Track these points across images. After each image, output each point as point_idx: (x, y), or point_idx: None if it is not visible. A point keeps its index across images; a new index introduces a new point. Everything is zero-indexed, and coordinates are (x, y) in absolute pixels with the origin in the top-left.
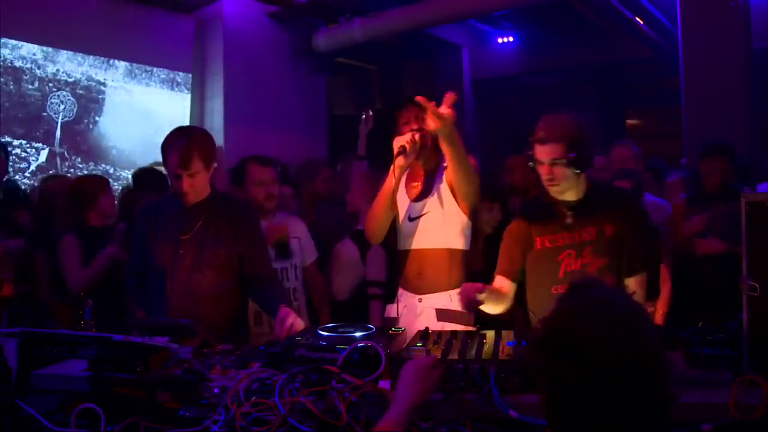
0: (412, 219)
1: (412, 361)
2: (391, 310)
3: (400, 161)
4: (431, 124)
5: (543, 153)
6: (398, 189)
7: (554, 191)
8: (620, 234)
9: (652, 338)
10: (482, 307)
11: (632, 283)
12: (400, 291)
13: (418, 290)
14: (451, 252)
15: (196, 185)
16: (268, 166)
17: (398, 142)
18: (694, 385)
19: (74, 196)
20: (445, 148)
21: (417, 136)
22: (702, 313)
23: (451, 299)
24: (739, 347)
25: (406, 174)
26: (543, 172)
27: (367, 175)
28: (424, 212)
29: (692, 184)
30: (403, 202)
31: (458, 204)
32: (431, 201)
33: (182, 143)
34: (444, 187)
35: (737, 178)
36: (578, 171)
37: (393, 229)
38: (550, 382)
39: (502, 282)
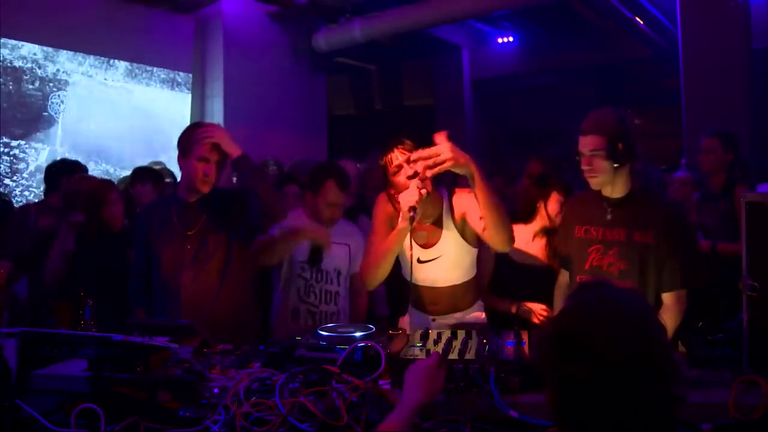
0: (422, 262)
1: (419, 361)
2: (403, 323)
3: (409, 221)
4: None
5: (583, 144)
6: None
7: (592, 183)
8: (652, 244)
9: (660, 338)
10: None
11: (668, 299)
12: (411, 309)
13: (432, 313)
14: (465, 284)
15: (216, 175)
16: (347, 189)
17: (406, 201)
18: (694, 385)
19: (86, 200)
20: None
21: (423, 191)
22: (702, 313)
23: (463, 317)
24: (739, 347)
25: None
26: (583, 163)
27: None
28: (434, 257)
29: (700, 184)
30: (408, 246)
31: (468, 242)
32: (440, 248)
33: (216, 128)
34: (451, 232)
35: (741, 176)
36: (616, 164)
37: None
38: (557, 380)
39: (566, 276)
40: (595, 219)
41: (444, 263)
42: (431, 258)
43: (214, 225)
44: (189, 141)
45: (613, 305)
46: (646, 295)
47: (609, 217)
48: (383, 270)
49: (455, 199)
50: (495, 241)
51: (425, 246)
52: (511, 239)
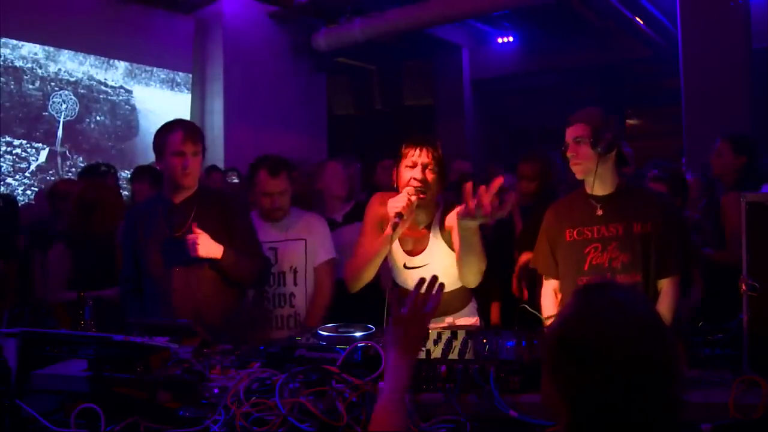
0: (409, 268)
1: (391, 324)
2: None
3: (396, 228)
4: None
5: (569, 134)
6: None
7: (577, 171)
8: (651, 233)
9: (670, 341)
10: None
11: (665, 285)
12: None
13: None
14: (454, 292)
15: (195, 167)
16: (278, 176)
17: (393, 206)
18: (694, 385)
19: (85, 206)
20: (459, 242)
21: (414, 198)
22: (702, 313)
23: (454, 320)
24: (739, 347)
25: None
26: (568, 150)
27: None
28: (421, 265)
29: (708, 187)
30: (395, 250)
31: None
32: (427, 256)
33: (187, 123)
34: (439, 241)
35: (751, 181)
36: (599, 150)
37: None
38: (565, 384)
39: (554, 284)
40: (585, 219)
41: (431, 272)
42: (417, 266)
43: (202, 226)
44: (160, 141)
45: (624, 309)
46: (648, 284)
47: (600, 213)
48: (367, 274)
49: (451, 217)
50: (463, 278)
51: (411, 253)
52: (478, 281)
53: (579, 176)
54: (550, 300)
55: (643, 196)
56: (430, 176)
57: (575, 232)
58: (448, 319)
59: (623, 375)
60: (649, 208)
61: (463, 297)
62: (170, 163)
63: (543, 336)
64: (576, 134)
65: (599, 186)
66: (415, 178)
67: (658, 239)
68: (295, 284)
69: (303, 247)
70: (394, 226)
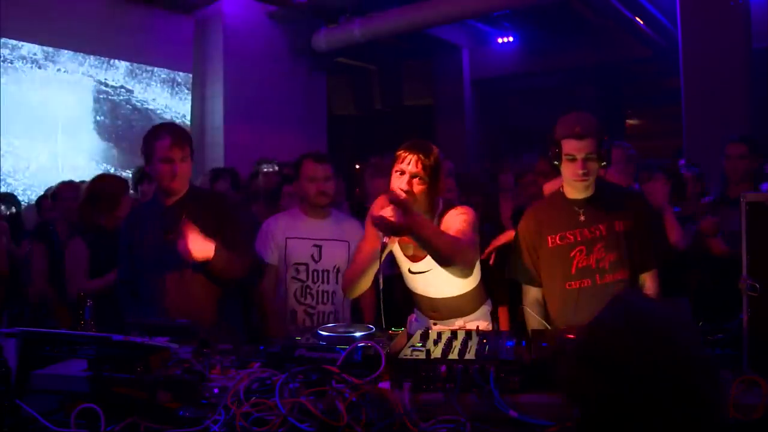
0: (414, 273)
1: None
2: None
3: (384, 249)
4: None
5: (579, 148)
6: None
7: (583, 185)
8: (631, 230)
9: (688, 351)
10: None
11: (647, 279)
12: (415, 311)
13: (433, 318)
14: (464, 295)
15: (184, 172)
16: (324, 162)
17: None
18: None
19: (93, 196)
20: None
21: (394, 218)
22: (702, 313)
23: (465, 324)
24: (739, 347)
25: None
26: (577, 167)
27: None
28: (425, 270)
29: (713, 184)
30: (399, 255)
31: None
32: (430, 261)
33: (174, 128)
34: None
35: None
36: (603, 163)
37: None
38: (585, 395)
39: (536, 293)
40: (568, 224)
41: (436, 277)
42: (422, 270)
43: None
44: (148, 147)
45: (638, 317)
46: (635, 280)
47: (582, 218)
48: (361, 285)
49: (446, 217)
50: (453, 273)
51: (413, 259)
52: (466, 269)
53: (585, 192)
54: (535, 309)
55: (618, 195)
56: (417, 187)
57: (557, 237)
58: (459, 322)
59: (624, 378)
60: (626, 205)
61: (473, 300)
62: (159, 169)
63: (557, 348)
64: (587, 150)
65: (583, 191)
66: (400, 188)
67: (638, 234)
68: (337, 283)
69: (346, 249)
70: (383, 247)
